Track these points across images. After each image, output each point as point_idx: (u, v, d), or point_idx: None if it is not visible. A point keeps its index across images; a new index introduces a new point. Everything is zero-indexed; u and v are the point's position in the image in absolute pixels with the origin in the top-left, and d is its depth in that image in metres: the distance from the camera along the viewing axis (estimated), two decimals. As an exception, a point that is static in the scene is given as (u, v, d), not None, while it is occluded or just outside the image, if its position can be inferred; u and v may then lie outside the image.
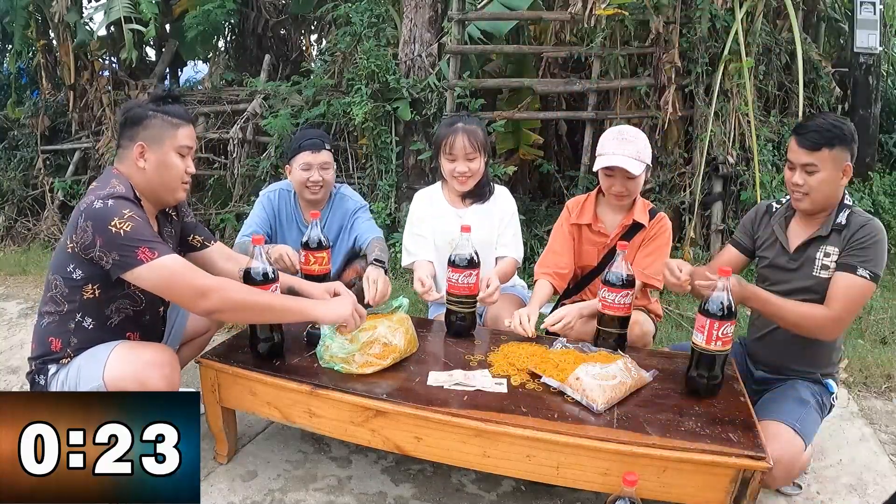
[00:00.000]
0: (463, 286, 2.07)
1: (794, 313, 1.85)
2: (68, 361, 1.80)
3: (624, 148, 2.10)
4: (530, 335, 2.03)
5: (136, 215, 1.69)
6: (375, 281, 2.15)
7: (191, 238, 2.09)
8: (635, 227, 2.24)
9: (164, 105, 1.83)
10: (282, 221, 2.62)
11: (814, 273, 1.93)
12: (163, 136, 1.80)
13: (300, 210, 2.62)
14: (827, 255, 1.91)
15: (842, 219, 1.90)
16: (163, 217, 1.97)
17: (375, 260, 2.33)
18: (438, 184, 2.53)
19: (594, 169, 2.19)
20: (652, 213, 2.26)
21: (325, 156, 2.50)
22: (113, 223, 1.65)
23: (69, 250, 1.74)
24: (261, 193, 2.66)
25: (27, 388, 1.91)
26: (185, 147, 1.84)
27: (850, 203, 1.93)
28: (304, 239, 2.13)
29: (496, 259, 2.41)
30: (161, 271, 1.66)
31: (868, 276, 1.82)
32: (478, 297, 2.12)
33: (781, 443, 1.79)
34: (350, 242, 2.63)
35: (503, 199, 2.47)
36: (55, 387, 1.79)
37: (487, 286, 2.15)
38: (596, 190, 2.31)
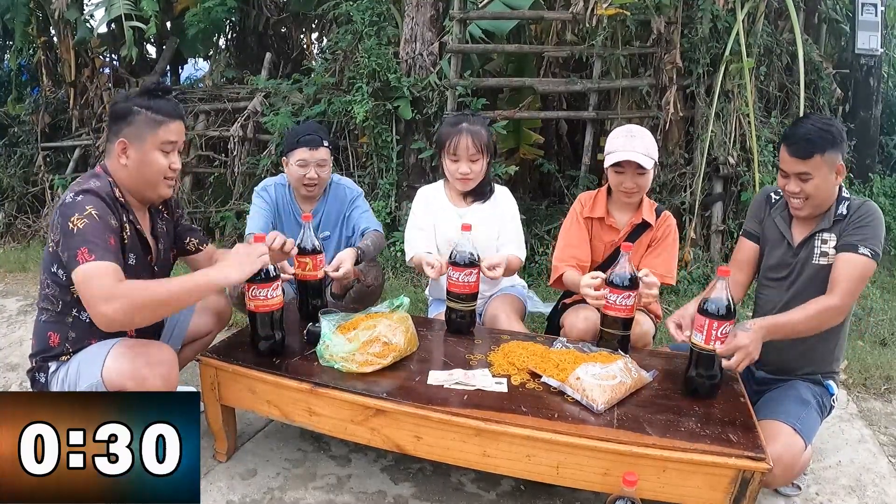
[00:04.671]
0: (463, 284, 2.08)
1: (807, 317, 1.83)
2: (68, 359, 1.80)
3: (633, 144, 2.12)
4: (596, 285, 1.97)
5: (96, 213, 1.65)
6: (339, 263, 2.22)
7: (187, 241, 2.09)
8: (643, 226, 2.25)
9: (151, 99, 1.78)
10: (280, 215, 2.62)
11: (813, 261, 1.94)
12: (145, 132, 1.76)
13: (296, 203, 2.63)
14: (824, 241, 1.91)
15: (842, 210, 1.91)
16: (155, 213, 1.96)
17: (357, 246, 2.37)
18: (441, 182, 2.53)
19: (605, 166, 2.19)
20: (657, 212, 2.28)
21: (323, 153, 2.49)
22: (72, 219, 1.63)
23: (51, 249, 1.75)
24: (255, 190, 2.64)
25: (27, 385, 1.91)
26: (169, 143, 1.79)
27: (848, 195, 1.94)
28: (297, 242, 2.11)
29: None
30: (82, 273, 1.60)
31: (869, 254, 1.83)
32: (482, 267, 2.12)
33: (781, 442, 1.80)
34: (349, 232, 2.64)
35: (504, 200, 2.47)
36: (55, 384, 1.79)
37: (488, 262, 2.16)
38: (605, 187, 2.32)
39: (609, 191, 2.30)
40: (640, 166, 2.11)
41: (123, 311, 1.58)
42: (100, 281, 1.59)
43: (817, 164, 1.83)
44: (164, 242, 1.99)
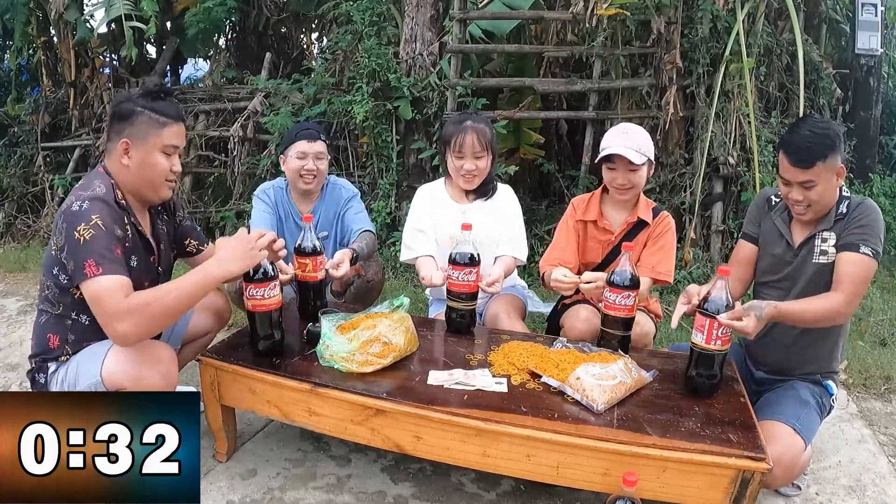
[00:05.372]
0: (463, 284, 2.08)
1: (812, 310, 1.83)
2: (67, 359, 1.80)
3: (624, 140, 2.14)
4: (576, 281, 2.03)
5: (102, 222, 1.65)
6: (340, 262, 2.21)
7: (187, 243, 2.09)
8: (639, 225, 2.25)
9: (154, 101, 1.78)
10: (280, 217, 2.64)
11: (813, 260, 1.93)
12: (148, 134, 1.76)
13: (293, 205, 2.65)
14: (824, 240, 1.91)
15: (842, 209, 1.91)
16: (155, 213, 1.96)
17: (352, 248, 2.36)
18: (441, 179, 2.53)
19: (596, 161, 2.21)
20: (655, 212, 2.28)
21: (320, 146, 2.54)
22: (78, 228, 1.63)
23: (53, 252, 1.74)
24: (255, 194, 2.66)
25: (27, 385, 1.91)
26: (171, 146, 1.80)
27: (848, 194, 1.94)
28: (298, 243, 2.12)
29: (495, 258, 2.40)
30: (93, 288, 1.61)
31: (871, 254, 1.83)
32: (481, 286, 2.14)
33: (781, 443, 1.80)
34: (343, 232, 2.66)
35: (506, 198, 2.47)
36: (55, 384, 1.79)
37: (489, 279, 2.17)
38: (600, 188, 2.32)
39: (605, 190, 2.31)
40: (631, 161, 2.11)
41: (137, 327, 1.62)
42: (110, 299, 1.60)
43: (819, 171, 1.82)
44: (165, 243, 2.00)
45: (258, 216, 2.59)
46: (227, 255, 1.74)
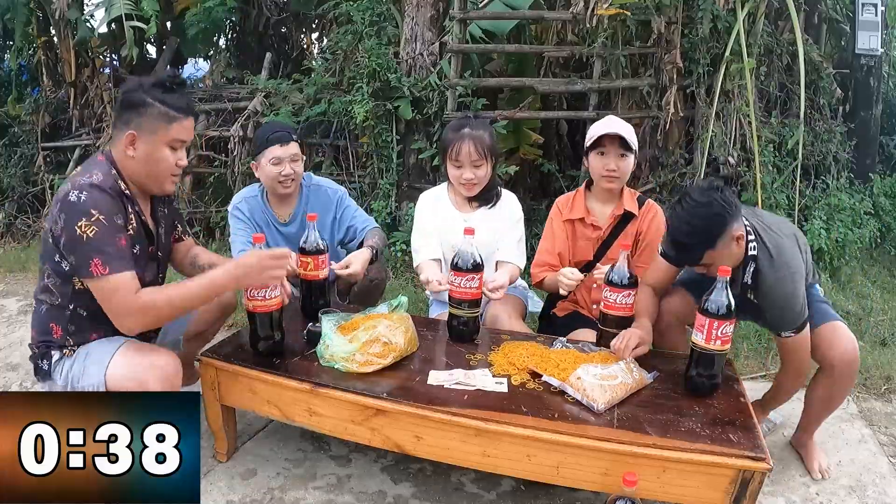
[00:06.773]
0: (465, 290, 2.02)
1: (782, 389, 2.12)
2: (72, 352, 1.80)
3: (614, 125, 2.17)
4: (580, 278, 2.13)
5: (103, 217, 1.64)
6: (348, 263, 2.25)
7: (175, 226, 2.07)
8: (626, 218, 2.25)
9: (165, 93, 1.73)
10: (259, 227, 2.53)
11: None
12: (157, 127, 1.72)
13: (271, 209, 2.55)
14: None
15: (748, 278, 1.85)
16: (156, 199, 1.94)
17: (370, 245, 2.39)
18: (444, 185, 2.50)
19: (586, 145, 2.22)
20: (640, 201, 2.28)
21: (294, 147, 2.43)
22: (79, 224, 1.62)
23: (50, 241, 1.73)
24: (229, 211, 2.55)
25: (27, 385, 1.92)
26: (179, 141, 1.77)
27: (754, 252, 1.84)
28: (302, 243, 2.10)
29: (496, 263, 2.38)
30: (102, 287, 1.65)
31: (793, 332, 1.86)
32: (485, 290, 2.10)
33: (848, 340, 1.93)
34: (341, 234, 2.60)
35: (510, 204, 2.43)
36: (59, 374, 1.80)
37: (493, 284, 2.13)
38: (584, 185, 2.33)
39: (588, 186, 2.31)
40: (622, 144, 2.13)
41: (143, 324, 1.70)
42: (120, 298, 1.65)
43: (711, 256, 1.76)
44: (165, 227, 1.98)
45: (236, 236, 2.48)
46: (245, 269, 1.75)
